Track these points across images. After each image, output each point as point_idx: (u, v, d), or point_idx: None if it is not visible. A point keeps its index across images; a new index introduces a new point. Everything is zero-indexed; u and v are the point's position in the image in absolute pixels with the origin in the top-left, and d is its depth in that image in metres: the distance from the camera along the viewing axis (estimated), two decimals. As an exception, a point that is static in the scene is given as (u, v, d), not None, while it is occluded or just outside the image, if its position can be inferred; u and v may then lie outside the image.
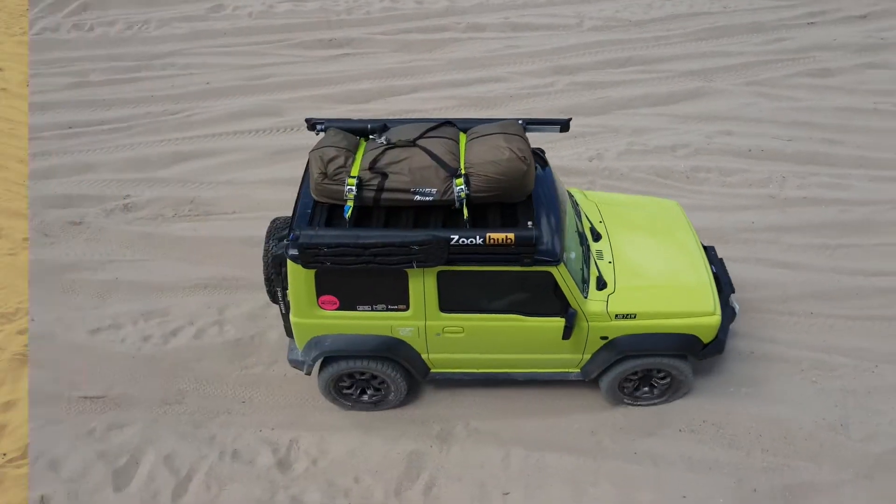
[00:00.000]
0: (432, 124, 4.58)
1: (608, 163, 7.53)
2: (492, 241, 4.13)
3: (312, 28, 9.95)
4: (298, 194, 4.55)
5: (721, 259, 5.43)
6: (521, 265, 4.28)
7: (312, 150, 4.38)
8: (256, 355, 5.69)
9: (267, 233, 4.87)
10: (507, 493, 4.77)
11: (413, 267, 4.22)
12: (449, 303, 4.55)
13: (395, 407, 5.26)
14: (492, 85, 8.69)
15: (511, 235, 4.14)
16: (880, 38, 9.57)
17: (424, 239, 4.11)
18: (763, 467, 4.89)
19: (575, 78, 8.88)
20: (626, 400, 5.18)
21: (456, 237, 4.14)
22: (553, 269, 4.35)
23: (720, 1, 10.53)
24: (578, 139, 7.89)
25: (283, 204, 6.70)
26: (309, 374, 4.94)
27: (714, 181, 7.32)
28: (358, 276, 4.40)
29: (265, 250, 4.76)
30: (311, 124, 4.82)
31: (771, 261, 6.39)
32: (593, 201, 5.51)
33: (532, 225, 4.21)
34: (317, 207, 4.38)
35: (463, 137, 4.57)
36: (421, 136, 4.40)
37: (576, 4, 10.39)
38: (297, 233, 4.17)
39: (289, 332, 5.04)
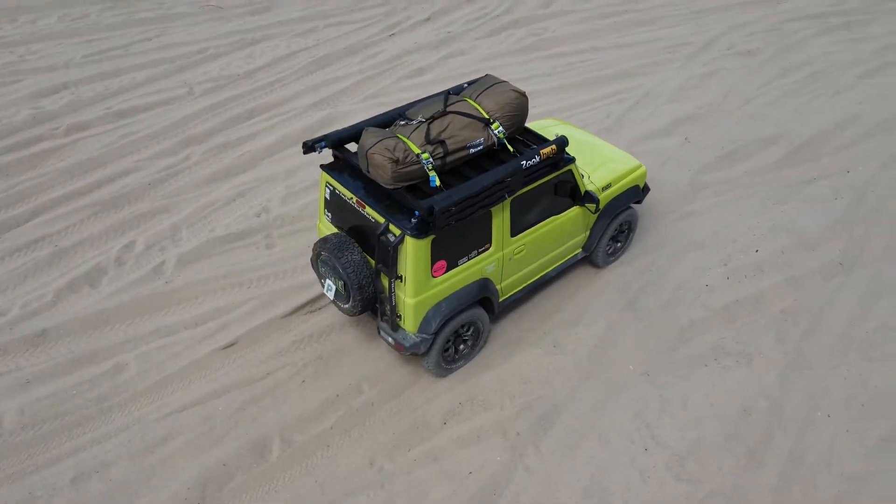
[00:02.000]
0: (440, 97, 5.39)
1: (277, 211, 7.52)
2: (544, 155, 5.18)
3: None
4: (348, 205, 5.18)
5: None
6: (558, 169, 5.46)
7: (370, 149, 4.79)
8: None
9: (328, 260, 5.12)
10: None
11: (505, 198, 5.06)
12: (515, 227, 5.47)
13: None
14: (123, 180, 7.97)
15: (553, 147, 5.25)
16: (447, 33, 11.28)
17: (512, 171, 4.97)
18: (517, 412, 5.46)
19: (209, 143, 8.64)
20: (610, 259, 6.69)
21: (524, 162, 5.05)
22: (572, 166, 5.63)
23: (312, 35, 11.25)
24: (238, 200, 7.72)
25: None
26: (427, 350, 5.28)
27: (375, 192, 7.84)
28: (458, 232, 5.01)
29: (355, 271, 5.03)
30: (310, 145, 5.19)
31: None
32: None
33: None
34: (395, 193, 4.89)
35: (467, 99, 5.34)
36: (445, 107, 5.16)
37: (176, 74, 10.09)
38: (430, 204, 4.56)
39: (394, 327, 5.30)
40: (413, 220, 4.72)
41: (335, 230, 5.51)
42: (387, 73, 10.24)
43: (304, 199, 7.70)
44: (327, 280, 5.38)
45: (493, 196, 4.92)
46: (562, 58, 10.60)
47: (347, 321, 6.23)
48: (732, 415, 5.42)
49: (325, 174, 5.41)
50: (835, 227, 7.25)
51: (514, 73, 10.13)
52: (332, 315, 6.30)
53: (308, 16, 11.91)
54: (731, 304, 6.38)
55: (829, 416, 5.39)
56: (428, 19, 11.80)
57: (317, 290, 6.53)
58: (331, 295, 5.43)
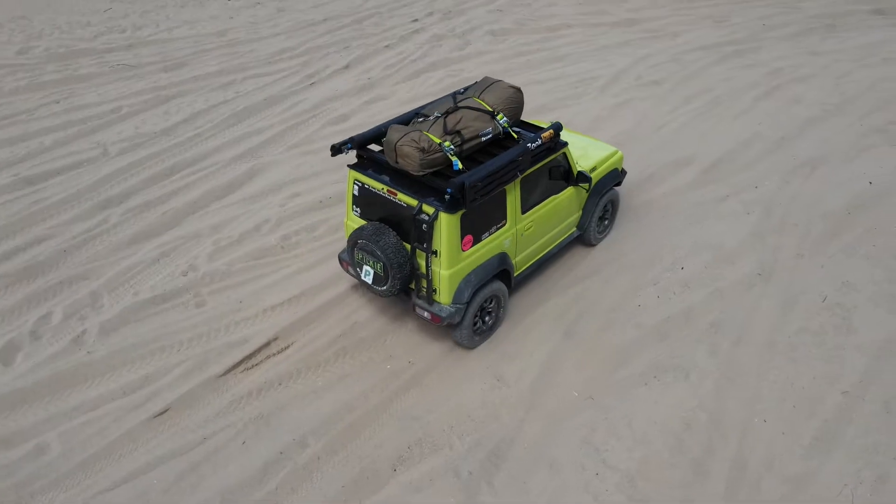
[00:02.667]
0: (449, 97, 6.24)
1: (205, 268, 7.28)
2: (545, 138, 5.97)
3: None
4: (380, 196, 5.80)
5: None
6: (555, 152, 6.26)
7: (398, 143, 5.46)
8: None
9: (365, 245, 5.66)
10: None
11: (518, 176, 5.78)
12: (525, 204, 6.21)
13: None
14: (35, 249, 7.54)
15: (551, 131, 6.07)
16: (367, 79, 11.42)
17: (525, 150, 5.76)
18: (466, 450, 5.40)
19: (128, 204, 8.34)
20: (599, 237, 7.52)
21: (530, 144, 5.83)
22: (566, 149, 6.47)
23: (230, 88, 11.16)
24: (163, 260, 7.45)
25: None
26: (461, 320, 5.85)
27: (306, 240, 7.74)
28: (481, 210, 5.69)
29: (393, 251, 5.59)
30: (338, 147, 5.88)
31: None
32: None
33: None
34: (424, 179, 5.57)
35: (473, 97, 6.12)
36: (456, 104, 5.97)
37: (88, 136, 9.76)
38: (461, 180, 5.24)
39: (430, 301, 5.86)
40: (446, 196, 5.32)
41: (364, 223, 6.02)
42: (310, 121, 10.24)
43: (233, 254, 7.50)
44: (364, 266, 5.93)
45: (508, 173, 5.68)
46: (481, 97, 10.90)
47: (287, 374, 6.05)
48: (675, 429, 5.54)
49: (352, 172, 6.02)
50: (749, 240, 7.66)
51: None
52: (271, 369, 6.10)
53: (225, 69, 11.83)
54: (664, 321, 6.59)
55: (764, 420, 5.60)
56: (347, 67, 11.94)
57: (255, 344, 6.33)
58: (368, 279, 5.95)
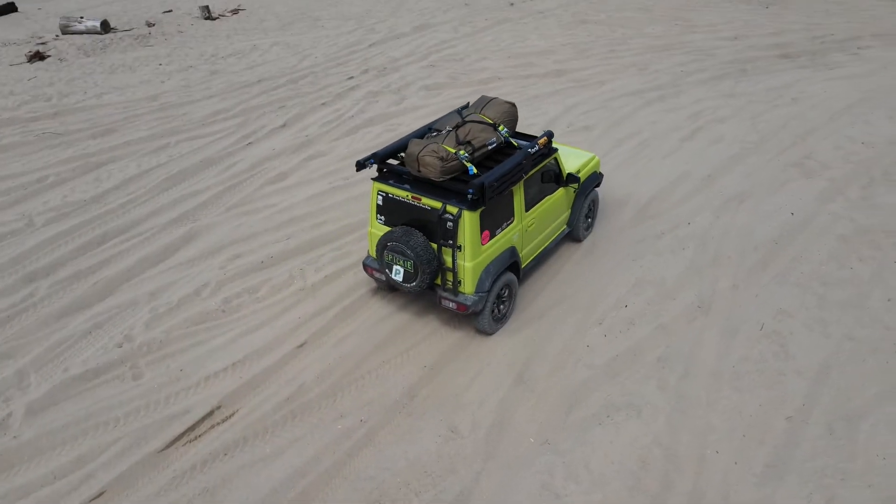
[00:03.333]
0: (454, 113, 7.19)
1: (142, 338, 6.96)
2: (541, 144, 6.95)
3: None
4: (407, 204, 6.59)
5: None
6: (549, 156, 7.26)
7: (420, 154, 6.34)
8: None
9: (395, 247, 6.45)
10: None
11: (522, 178, 6.75)
12: (527, 202, 7.14)
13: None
14: (-46, 328, 7.08)
15: (545, 138, 7.03)
16: (305, 137, 11.44)
17: (527, 154, 6.72)
18: (426, 508, 5.22)
19: (57, 276, 7.96)
20: (585, 233, 8.48)
21: (530, 149, 6.79)
22: (557, 154, 7.46)
23: (164, 152, 10.96)
24: (95, 332, 7.09)
25: None
26: (483, 307, 6.58)
27: (248, 302, 7.53)
28: (494, 208, 6.55)
29: (422, 249, 6.35)
30: (361, 162, 6.68)
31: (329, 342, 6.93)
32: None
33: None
34: (444, 184, 6.40)
35: (476, 112, 7.10)
36: (463, 119, 6.92)
37: (11, 207, 9.36)
38: (481, 181, 6.08)
39: (455, 292, 6.63)
40: (469, 196, 6.13)
41: (388, 229, 6.76)
42: (247, 181, 10.12)
43: (171, 321, 7.21)
44: (395, 266, 6.64)
45: (516, 174, 6.58)
46: (419, 149, 11.06)
47: (233, 443, 5.77)
48: (632, 467, 5.53)
49: (376, 184, 6.78)
50: (687, 274, 7.90)
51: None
52: (215, 440, 5.81)
53: (157, 133, 11.65)
54: (612, 359, 6.65)
55: (717, 451, 5.66)
56: (284, 125, 11.94)
57: (197, 414, 6.03)
58: (399, 278, 6.66)
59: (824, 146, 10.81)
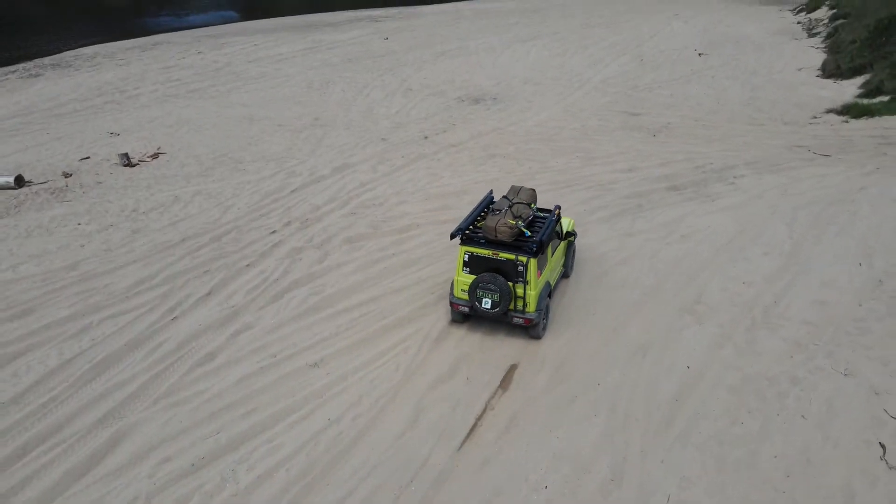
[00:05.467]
0: (505, 199, 11.07)
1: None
2: (557, 214, 11.19)
3: None
4: (483, 258, 10.40)
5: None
6: (558, 221, 11.34)
7: (497, 224, 10.20)
8: None
9: (486, 285, 10.20)
10: None
11: (555, 235, 11.16)
12: (550, 253, 10.99)
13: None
14: None
15: (559, 210, 11.23)
16: (231, 307, 11.68)
17: (551, 222, 10.81)
18: None
19: (-27, 502, 7.74)
20: (570, 270, 12.44)
21: (553, 217, 11.00)
22: (564, 218, 12.36)
23: (86, 335, 10.90)
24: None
25: None
26: (538, 321, 10.34)
27: (180, 517, 7.54)
28: (542, 256, 10.43)
29: (504, 285, 10.11)
30: (454, 234, 10.47)
31: None
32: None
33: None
34: (513, 243, 10.24)
35: (516, 198, 11.15)
36: (511, 203, 10.78)
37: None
38: (539, 238, 10.18)
39: (523, 312, 10.37)
40: (533, 248, 9.97)
41: (473, 277, 10.39)
42: (175, 364, 10.22)
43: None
44: (484, 298, 10.22)
45: (551, 233, 10.60)
46: (346, 313, 11.50)
47: None
48: None
49: (463, 247, 10.45)
50: (600, 442, 8.53)
51: (301, 341, 10.72)
52: None
53: (79, 311, 11.61)
54: (537, 550, 7.05)
55: None
56: (209, 293, 12.16)
57: None
58: (487, 307, 10.24)
59: (712, 287, 12.03)
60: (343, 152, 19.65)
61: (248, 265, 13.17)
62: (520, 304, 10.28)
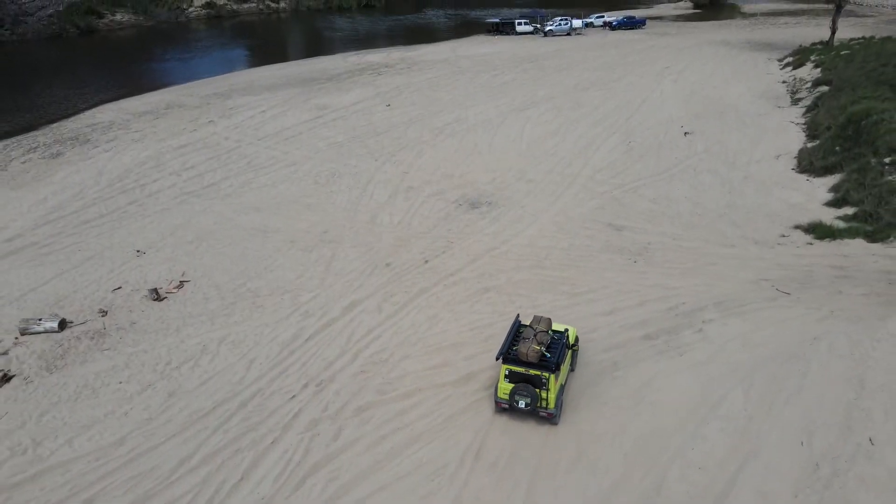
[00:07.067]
0: (530, 327, 15.87)
1: None
2: (567, 332, 16.31)
3: None
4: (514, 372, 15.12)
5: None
6: (568, 335, 16.18)
7: (528, 350, 14.85)
8: None
9: (522, 390, 14.86)
10: None
11: (566, 353, 15.89)
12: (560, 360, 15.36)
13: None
14: None
15: (574, 331, 17.04)
16: (261, 499, 13.72)
17: (564, 342, 15.70)
18: None
19: None
20: (574, 370, 17.05)
21: (565, 338, 15.88)
22: (570, 328, 16.99)
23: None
24: None
25: None
26: (557, 413, 15.01)
27: None
28: (559, 369, 15.15)
29: (534, 391, 14.81)
30: (498, 356, 15.23)
31: None
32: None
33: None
34: (538, 363, 14.90)
35: (539, 326, 15.90)
36: (536, 332, 15.43)
37: None
38: (556, 360, 14.97)
39: (546, 408, 14.90)
40: (552, 367, 14.65)
41: (512, 385, 14.90)
42: None
43: None
44: (521, 400, 14.81)
45: (564, 352, 15.30)
46: (358, 504, 13.53)
47: None
48: None
49: (504, 365, 14.96)
50: None
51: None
52: None
53: (132, 501, 13.62)
54: None
55: None
56: (242, 479, 14.17)
57: None
58: (523, 405, 14.80)
59: (673, 472, 14.03)
60: (351, 284, 21.61)
61: (272, 442, 15.20)
62: (543, 403, 14.88)
